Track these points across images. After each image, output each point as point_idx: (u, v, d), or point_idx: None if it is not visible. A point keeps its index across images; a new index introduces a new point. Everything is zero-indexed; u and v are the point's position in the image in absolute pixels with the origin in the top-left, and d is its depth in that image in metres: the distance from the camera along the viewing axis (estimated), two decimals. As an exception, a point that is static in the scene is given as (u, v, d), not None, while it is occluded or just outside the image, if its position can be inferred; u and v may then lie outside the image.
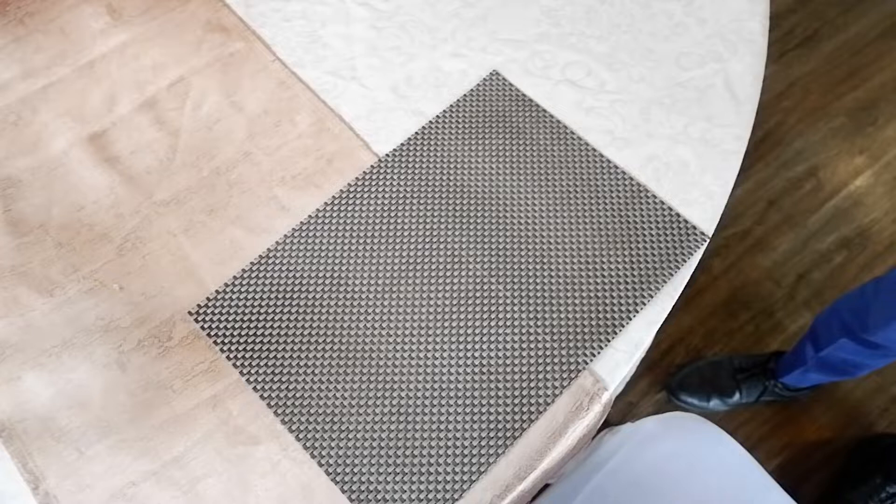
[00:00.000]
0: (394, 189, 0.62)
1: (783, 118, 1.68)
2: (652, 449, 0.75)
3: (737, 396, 1.34)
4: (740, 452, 0.76)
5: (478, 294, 0.57)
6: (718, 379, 1.36)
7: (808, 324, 1.44)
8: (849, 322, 1.06)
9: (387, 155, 0.64)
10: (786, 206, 1.57)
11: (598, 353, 0.55)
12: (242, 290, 0.58)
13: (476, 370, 0.55)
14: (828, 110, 1.70)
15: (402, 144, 0.64)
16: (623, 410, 1.38)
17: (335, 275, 0.58)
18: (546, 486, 0.75)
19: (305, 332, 0.56)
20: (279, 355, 0.55)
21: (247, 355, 0.55)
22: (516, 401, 0.53)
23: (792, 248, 1.52)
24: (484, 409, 0.53)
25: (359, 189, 0.62)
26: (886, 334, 0.99)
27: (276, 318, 0.57)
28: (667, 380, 1.40)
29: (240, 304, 0.57)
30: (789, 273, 1.50)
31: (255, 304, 0.57)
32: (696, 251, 0.60)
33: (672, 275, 0.59)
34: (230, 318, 0.57)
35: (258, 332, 0.56)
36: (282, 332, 0.56)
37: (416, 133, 0.65)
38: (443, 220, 0.60)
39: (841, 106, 1.70)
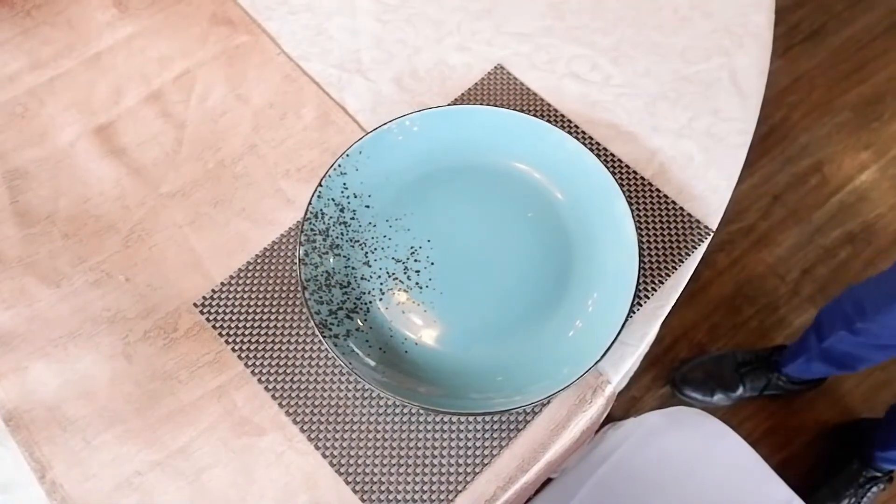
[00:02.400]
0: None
1: (788, 113, 1.68)
2: (655, 443, 0.75)
3: (740, 390, 1.35)
4: (743, 447, 0.76)
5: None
6: (722, 373, 1.37)
7: (812, 318, 1.44)
8: (849, 312, 1.07)
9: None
10: (790, 201, 1.57)
11: (602, 346, 0.55)
12: (248, 282, 0.58)
13: (480, 363, 0.55)
14: (833, 105, 1.69)
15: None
16: (627, 405, 1.38)
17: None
18: (550, 479, 0.75)
19: (310, 325, 0.56)
20: (284, 347, 0.56)
21: (252, 347, 0.56)
22: (520, 393, 0.54)
23: (797, 243, 1.52)
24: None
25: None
26: (882, 320, 1.00)
27: (282, 310, 0.57)
28: (670, 374, 1.40)
29: (245, 295, 0.58)
30: (794, 268, 1.50)
31: (261, 296, 0.58)
32: (700, 245, 0.60)
33: (676, 269, 0.59)
34: (235, 310, 0.57)
35: (263, 324, 0.56)
36: (287, 325, 0.56)
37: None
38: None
39: (847, 101, 1.70)
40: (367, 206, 0.59)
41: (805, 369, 1.27)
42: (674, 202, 0.61)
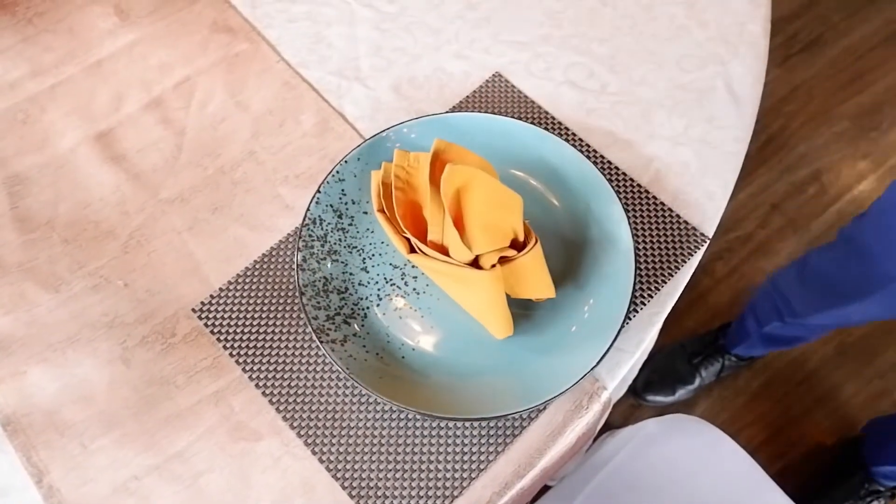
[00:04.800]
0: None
1: (787, 122, 1.69)
2: (652, 450, 0.75)
3: (698, 380, 1.37)
4: (741, 454, 0.76)
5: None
6: (676, 369, 1.38)
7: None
8: (780, 306, 1.08)
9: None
10: (789, 210, 1.57)
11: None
12: (245, 287, 0.58)
13: (476, 368, 0.55)
14: (831, 115, 1.70)
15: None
16: (625, 414, 1.38)
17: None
18: (547, 487, 0.75)
19: (308, 330, 0.56)
20: (281, 352, 0.56)
21: (249, 352, 0.56)
22: (516, 399, 0.54)
23: (795, 252, 1.52)
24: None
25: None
26: (813, 321, 1.02)
27: (279, 315, 0.57)
28: (631, 386, 1.40)
29: (243, 301, 0.58)
30: (792, 277, 1.50)
31: (258, 301, 0.58)
32: (696, 252, 0.60)
33: (672, 275, 0.59)
34: (233, 316, 0.57)
35: (261, 330, 0.57)
36: (284, 330, 0.57)
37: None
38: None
39: (844, 110, 1.71)
40: (365, 213, 0.60)
41: (750, 351, 1.30)
42: (670, 209, 0.62)
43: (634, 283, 0.53)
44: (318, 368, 0.55)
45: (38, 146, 0.65)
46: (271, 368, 0.55)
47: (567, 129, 0.66)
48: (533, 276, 0.53)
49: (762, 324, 1.16)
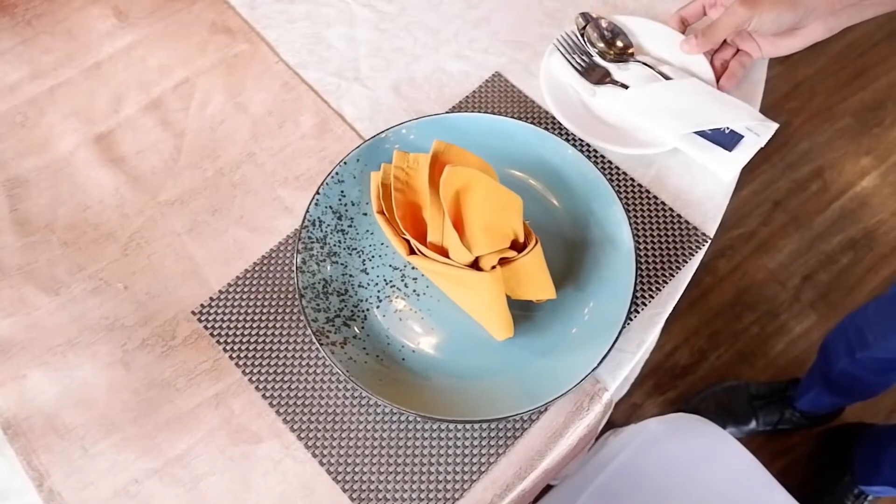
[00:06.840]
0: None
1: (789, 119, 1.68)
2: (655, 449, 0.75)
3: (753, 424, 1.33)
4: (744, 453, 0.76)
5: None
6: (734, 405, 1.35)
7: (813, 325, 1.44)
8: (852, 339, 1.05)
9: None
10: (791, 207, 1.57)
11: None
12: (245, 289, 0.58)
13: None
14: (834, 111, 1.69)
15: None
16: (628, 412, 1.38)
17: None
18: (550, 486, 0.75)
19: (308, 332, 0.56)
20: (282, 355, 0.56)
21: (249, 355, 0.56)
22: (517, 401, 0.54)
23: (797, 249, 1.52)
24: (485, 409, 0.53)
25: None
26: (885, 346, 0.99)
27: (279, 318, 0.57)
28: (681, 404, 1.39)
29: (243, 303, 0.58)
30: (795, 274, 1.50)
31: (258, 303, 0.58)
32: (697, 252, 0.60)
33: (673, 276, 0.59)
34: (233, 318, 0.57)
35: (261, 332, 0.57)
36: (284, 332, 0.57)
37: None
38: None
39: (847, 107, 1.70)
40: (365, 214, 0.60)
41: (815, 402, 1.26)
42: (671, 209, 0.62)
43: (635, 285, 0.53)
44: (318, 371, 0.55)
45: (37, 149, 0.65)
46: (271, 371, 0.55)
47: (567, 129, 0.65)
48: (533, 277, 0.53)
49: (829, 367, 1.13)
